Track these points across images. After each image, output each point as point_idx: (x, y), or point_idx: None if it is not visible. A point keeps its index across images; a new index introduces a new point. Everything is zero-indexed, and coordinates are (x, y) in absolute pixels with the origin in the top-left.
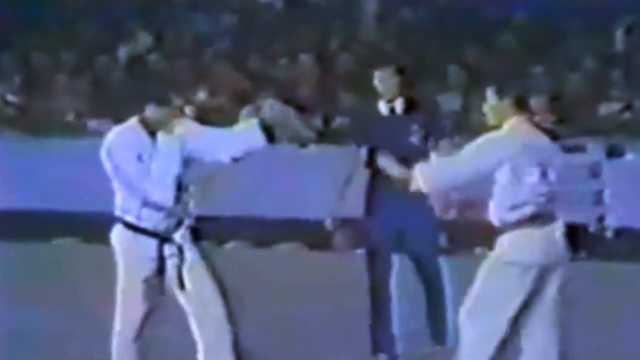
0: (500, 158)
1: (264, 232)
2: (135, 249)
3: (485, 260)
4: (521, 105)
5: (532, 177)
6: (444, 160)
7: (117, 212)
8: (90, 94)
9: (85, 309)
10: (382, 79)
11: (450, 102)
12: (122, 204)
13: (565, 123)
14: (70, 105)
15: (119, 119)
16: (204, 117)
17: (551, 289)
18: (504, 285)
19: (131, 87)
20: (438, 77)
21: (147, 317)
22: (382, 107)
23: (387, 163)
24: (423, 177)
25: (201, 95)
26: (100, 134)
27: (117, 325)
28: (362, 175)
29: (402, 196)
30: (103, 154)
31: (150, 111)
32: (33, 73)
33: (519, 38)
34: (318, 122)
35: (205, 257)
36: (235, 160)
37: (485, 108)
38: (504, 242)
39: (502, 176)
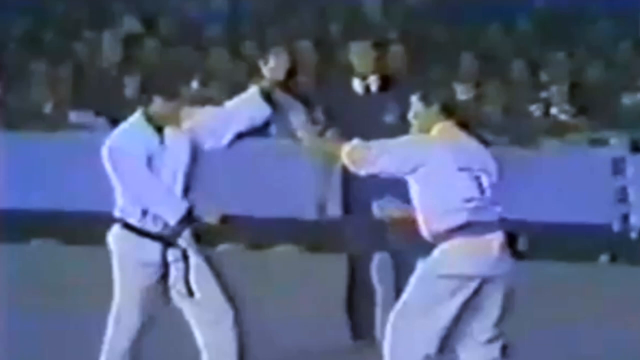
0: (426, 156)
1: (258, 233)
2: (136, 253)
3: (418, 270)
4: (448, 112)
5: (460, 182)
6: (374, 143)
7: (117, 213)
8: (71, 83)
9: (69, 315)
10: (357, 54)
11: (462, 91)
12: (123, 205)
13: (585, 114)
14: (49, 95)
15: (102, 111)
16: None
17: (491, 300)
18: (434, 299)
19: (116, 75)
20: (450, 66)
21: (145, 327)
22: (357, 85)
23: (303, 127)
24: (351, 155)
25: (193, 85)
26: (81, 127)
27: (110, 332)
28: (337, 171)
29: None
30: (105, 155)
31: (157, 106)
32: (7, 60)
33: (537, 23)
34: (319, 114)
35: (210, 262)
36: (230, 144)
37: (410, 115)
38: (436, 253)
39: (428, 180)
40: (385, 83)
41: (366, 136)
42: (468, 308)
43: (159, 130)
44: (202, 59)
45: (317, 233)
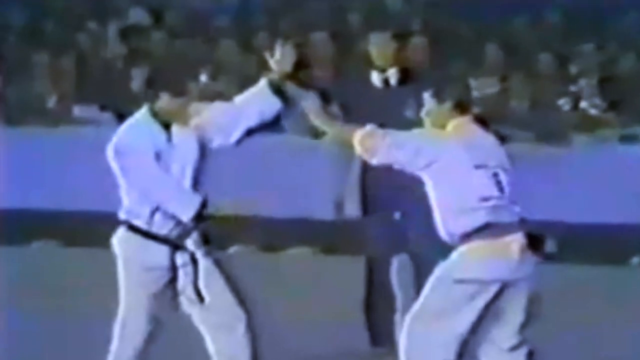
0: (440, 151)
1: (272, 234)
2: (142, 257)
3: (435, 273)
4: (462, 109)
5: (477, 180)
6: (389, 132)
7: (122, 215)
8: (74, 76)
9: (70, 319)
10: (377, 45)
11: (486, 85)
12: (130, 206)
13: (616, 109)
14: (51, 88)
15: (107, 105)
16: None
17: (513, 305)
18: (451, 304)
19: (122, 68)
20: (474, 58)
21: (152, 335)
22: (375, 78)
23: (312, 108)
24: (363, 142)
25: (202, 78)
26: (85, 122)
27: (116, 340)
28: (355, 168)
29: (401, 193)
30: (110, 154)
31: (165, 102)
32: (7, 51)
33: (565, 13)
34: (336, 109)
35: (219, 265)
36: (239, 141)
37: (423, 113)
38: (453, 257)
39: (442, 177)
40: (406, 76)
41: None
42: (489, 313)
43: (166, 127)
44: (211, 51)
45: (333, 234)
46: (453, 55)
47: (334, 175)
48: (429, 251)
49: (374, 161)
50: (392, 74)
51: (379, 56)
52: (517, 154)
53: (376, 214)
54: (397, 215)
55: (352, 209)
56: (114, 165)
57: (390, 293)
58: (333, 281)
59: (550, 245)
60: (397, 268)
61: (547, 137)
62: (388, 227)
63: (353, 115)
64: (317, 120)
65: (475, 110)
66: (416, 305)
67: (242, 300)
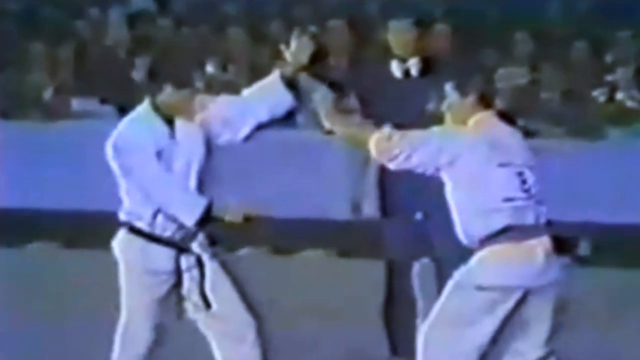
0: (461, 150)
1: (283, 236)
2: (145, 261)
3: (453, 278)
4: (486, 103)
5: (500, 179)
6: (406, 134)
7: (123, 216)
8: (73, 66)
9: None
10: (397, 33)
11: (515, 75)
12: (131, 207)
13: None
14: (48, 80)
15: (108, 97)
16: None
17: (538, 313)
18: (471, 312)
19: (124, 57)
20: (501, 46)
21: (156, 343)
22: (395, 68)
23: (324, 105)
24: (378, 145)
25: (209, 69)
26: (85, 116)
27: (117, 349)
28: (374, 165)
29: (423, 192)
30: (109, 152)
31: (167, 95)
32: (1, 39)
33: None
34: (354, 102)
35: (227, 268)
36: (248, 137)
37: (444, 107)
38: (473, 261)
39: (463, 176)
40: (427, 66)
41: (405, 125)
42: (512, 322)
43: (169, 122)
44: (219, 40)
45: (350, 236)
46: (479, 43)
47: (351, 172)
48: (453, 255)
49: (392, 166)
50: (413, 64)
51: (399, 45)
52: (547, 150)
53: (396, 215)
54: (418, 216)
55: (370, 209)
56: (113, 164)
57: (411, 300)
58: (349, 286)
59: (583, 248)
60: (419, 273)
61: (581, 131)
62: (409, 228)
63: (371, 108)
64: (328, 118)
65: (503, 102)
66: (433, 313)
67: (251, 306)
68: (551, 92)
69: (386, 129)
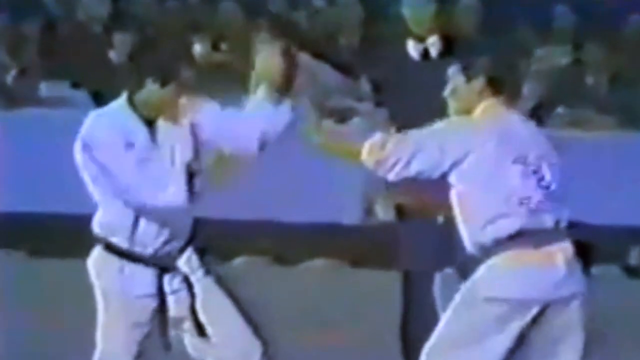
0: (470, 144)
1: (287, 243)
2: (123, 282)
3: (460, 292)
4: (495, 87)
5: (514, 177)
6: (402, 138)
7: (97, 230)
8: (40, 45)
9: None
10: (414, 8)
11: (555, 55)
12: (105, 219)
13: None
14: (11, 61)
15: (81, 82)
16: (203, 77)
17: (559, 330)
18: (479, 329)
19: (100, 35)
20: (538, 22)
21: None
22: (412, 48)
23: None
24: (371, 156)
25: (199, 48)
26: (55, 103)
27: None
28: None
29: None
30: (78, 151)
31: (149, 92)
32: None
33: None
34: (366, 87)
35: (223, 283)
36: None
37: (447, 92)
38: (481, 271)
39: (471, 176)
40: (449, 47)
41: (423, 114)
42: (534, 343)
43: (149, 123)
44: (210, 15)
45: (362, 243)
46: (512, 19)
47: (363, 174)
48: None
49: (391, 177)
50: (433, 44)
51: (417, 22)
52: (593, 143)
53: (414, 219)
54: (440, 220)
55: (385, 213)
56: (83, 166)
57: (432, 314)
58: (362, 299)
59: (634, 257)
60: (441, 284)
61: (632, 121)
62: (429, 234)
63: (385, 94)
64: (316, 134)
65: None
66: (436, 331)
67: (256, 326)
68: (597, 76)
69: (378, 136)
